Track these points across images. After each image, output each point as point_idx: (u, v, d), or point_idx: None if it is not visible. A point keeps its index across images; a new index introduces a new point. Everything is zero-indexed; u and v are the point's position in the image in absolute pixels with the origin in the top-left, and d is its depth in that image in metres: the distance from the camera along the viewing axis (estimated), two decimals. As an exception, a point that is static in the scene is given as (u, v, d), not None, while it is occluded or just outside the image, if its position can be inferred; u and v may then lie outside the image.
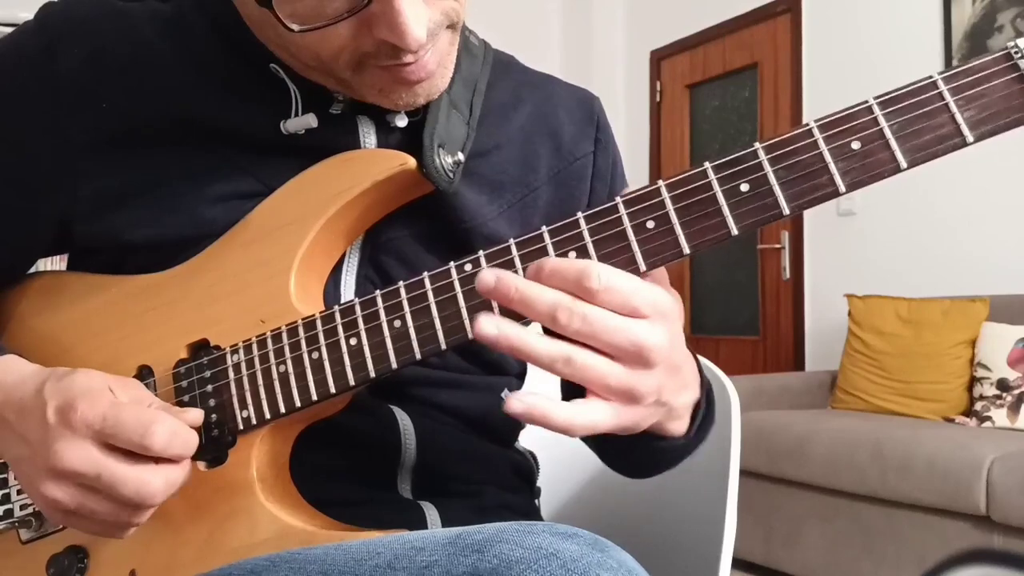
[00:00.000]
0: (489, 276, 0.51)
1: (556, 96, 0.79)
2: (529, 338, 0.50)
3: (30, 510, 0.65)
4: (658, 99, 4.73)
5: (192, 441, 0.57)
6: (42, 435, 0.55)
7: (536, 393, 0.49)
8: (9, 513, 0.66)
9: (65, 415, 0.55)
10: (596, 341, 0.49)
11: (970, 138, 0.49)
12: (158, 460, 0.56)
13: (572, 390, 0.76)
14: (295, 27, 0.55)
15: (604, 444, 0.69)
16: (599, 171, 0.78)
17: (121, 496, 0.55)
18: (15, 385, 0.59)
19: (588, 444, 0.75)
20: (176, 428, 0.56)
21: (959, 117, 0.49)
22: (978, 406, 2.65)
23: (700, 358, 0.97)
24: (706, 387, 0.64)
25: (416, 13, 0.56)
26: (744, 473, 2.68)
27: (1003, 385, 2.62)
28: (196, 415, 0.60)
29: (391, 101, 0.63)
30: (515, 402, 0.48)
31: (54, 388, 0.56)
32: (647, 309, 0.50)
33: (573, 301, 0.49)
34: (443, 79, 0.64)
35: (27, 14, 0.68)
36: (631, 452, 0.65)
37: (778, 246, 3.98)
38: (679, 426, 0.60)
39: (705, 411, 0.64)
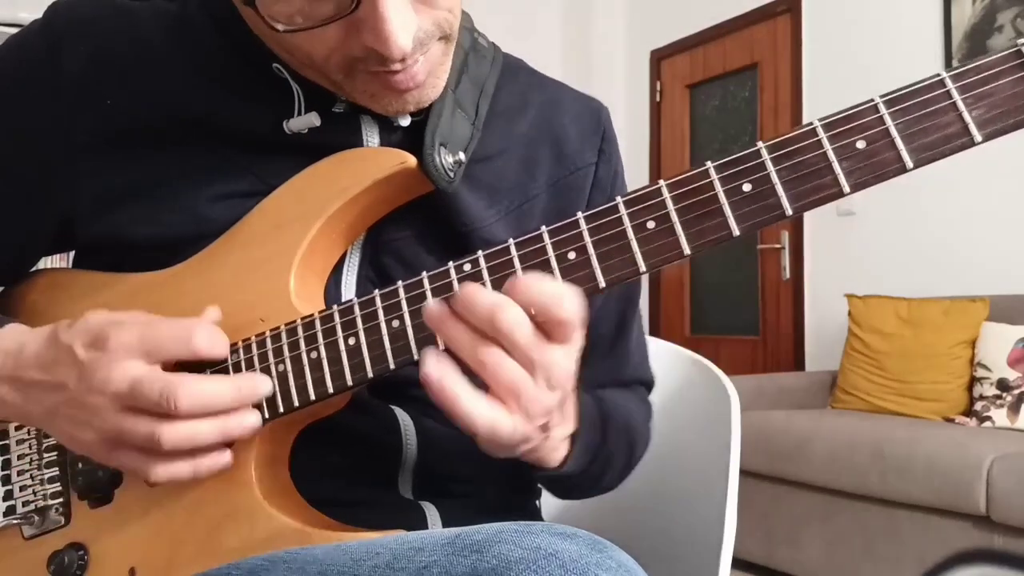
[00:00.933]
0: (433, 306, 0.53)
1: (563, 103, 0.78)
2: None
3: (32, 507, 0.65)
4: (658, 99, 4.73)
5: (226, 343, 0.59)
6: (78, 373, 0.55)
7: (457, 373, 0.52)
8: (12, 510, 0.66)
9: (99, 345, 0.55)
10: (521, 352, 0.51)
11: (978, 137, 0.49)
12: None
13: None
14: (279, 27, 0.55)
15: None
16: (599, 181, 0.77)
17: (182, 394, 0.54)
18: (19, 349, 0.59)
19: None
20: (212, 331, 0.58)
21: (967, 116, 0.49)
22: (978, 406, 2.65)
23: (701, 358, 0.97)
24: (593, 421, 0.67)
25: (402, 21, 0.55)
26: (744, 473, 2.68)
27: (1003, 385, 2.62)
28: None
29: (381, 106, 0.63)
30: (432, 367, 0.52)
31: (72, 332, 0.56)
32: (574, 339, 0.53)
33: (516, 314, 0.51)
34: (434, 89, 0.64)
35: (27, 14, 0.68)
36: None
37: (778, 246, 3.98)
38: (557, 456, 0.63)
39: (600, 444, 0.67)
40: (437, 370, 0.51)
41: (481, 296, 0.51)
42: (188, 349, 0.56)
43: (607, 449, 0.70)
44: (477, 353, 0.51)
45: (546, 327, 0.51)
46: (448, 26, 0.61)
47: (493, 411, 0.52)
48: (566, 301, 0.51)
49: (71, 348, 0.56)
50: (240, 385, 0.57)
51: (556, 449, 0.62)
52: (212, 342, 0.57)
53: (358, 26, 0.56)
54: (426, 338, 0.56)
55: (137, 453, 0.56)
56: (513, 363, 0.51)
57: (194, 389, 0.54)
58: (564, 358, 0.52)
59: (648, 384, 0.84)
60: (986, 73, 0.49)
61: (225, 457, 0.58)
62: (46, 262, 0.78)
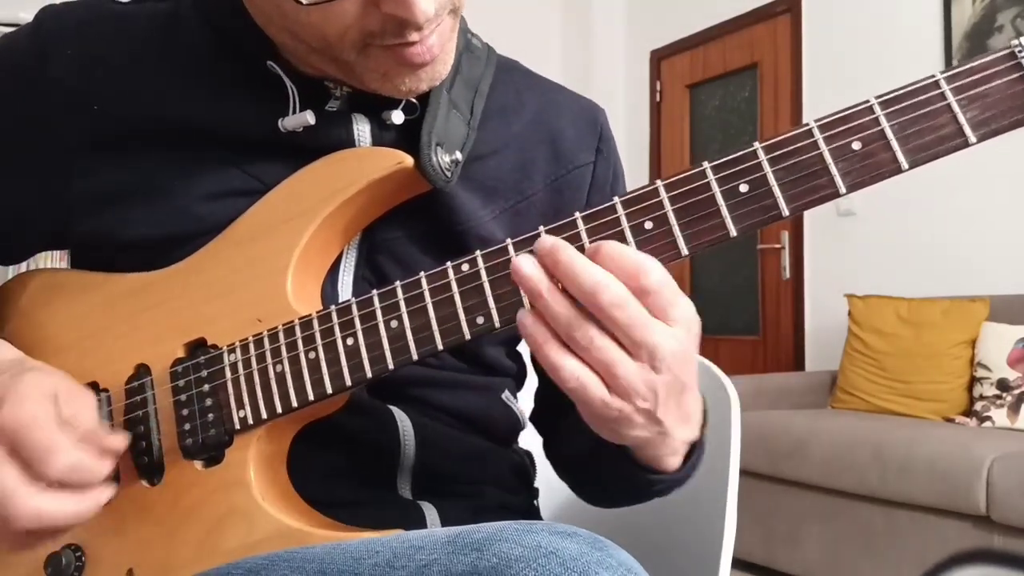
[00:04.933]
0: (547, 240, 0.51)
1: (559, 103, 0.78)
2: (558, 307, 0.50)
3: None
4: (658, 99, 4.73)
5: (97, 473, 0.57)
6: None
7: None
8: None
9: None
10: (622, 331, 0.49)
11: (972, 138, 0.49)
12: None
13: (548, 397, 0.78)
14: (304, 0, 0.55)
15: (590, 466, 0.70)
16: (597, 181, 0.77)
17: (13, 513, 0.53)
18: None
19: (568, 476, 0.78)
20: (78, 462, 0.55)
21: (961, 117, 0.49)
22: (978, 406, 2.65)
23: (701, 358, 0.97)
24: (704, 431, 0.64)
25: None
26: (744, 473, 2.67)
27: (1003, 385, 2.61)
28: (120, 441, 0.59)
29: (394, 86, 0.63)
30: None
31: (8, 376, 0.57)
32: (676, 317, 0.50)
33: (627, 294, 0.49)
34: (444, 65, 0.64)
35: (27, 14, 0.68)
36: (620, 480, 0.65)
37: (778, 246, 3.98)
38: (675, 461, 0.60)
39: (699, 451, 0.64)
40: (531, 319, 0.51)
41: (586, 272, 0.49)
42: (38, 469, 0.54)
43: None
44: (570, 329, 0.49)
45: (644, 303, 0.49)
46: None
47: (582, 369, 0.50)
48: (651, 272, 0.49)
49: None
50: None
51: (676, 453, 0.59)
52: (66, 474, 0.54)
53: None
54: (425, 339, 0.56)
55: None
56: (607, 341, 0.49)
57: (30, 501, 0.54)
58: (668, 338, 0.50)
59: None
60: (980, 74, 0.49)
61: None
62: (45, 260, 0.78)
